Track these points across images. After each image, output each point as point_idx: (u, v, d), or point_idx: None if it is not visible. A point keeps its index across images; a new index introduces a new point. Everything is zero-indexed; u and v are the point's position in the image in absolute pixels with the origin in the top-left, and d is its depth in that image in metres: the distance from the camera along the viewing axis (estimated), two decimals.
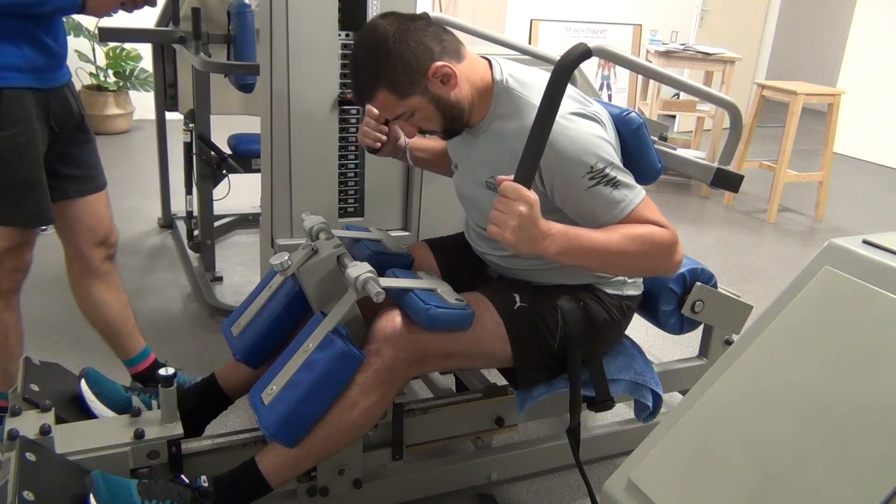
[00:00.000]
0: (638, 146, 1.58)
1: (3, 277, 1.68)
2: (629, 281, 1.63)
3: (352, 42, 1.83)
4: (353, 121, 1.92)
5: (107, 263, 1.87)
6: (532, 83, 1.46)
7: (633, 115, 1.58)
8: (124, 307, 1.92)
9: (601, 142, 1.39)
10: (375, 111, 1.63)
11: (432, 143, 1.81)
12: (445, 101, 1.42)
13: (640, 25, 5.86)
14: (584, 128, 1.39)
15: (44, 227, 1.81)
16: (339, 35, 1.84)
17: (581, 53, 1.22)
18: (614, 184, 1.37)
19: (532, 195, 1.25)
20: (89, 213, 1.80)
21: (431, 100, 1.41)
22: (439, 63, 1.39)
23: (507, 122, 1.45)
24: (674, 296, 1.78)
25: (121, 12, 1.68)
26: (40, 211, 1.66)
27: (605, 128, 1.46)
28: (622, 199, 1.37)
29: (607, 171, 1.37)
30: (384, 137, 1.66)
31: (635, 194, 1.39)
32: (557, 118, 1.31)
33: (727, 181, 1.66)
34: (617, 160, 1.40)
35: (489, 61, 1.50)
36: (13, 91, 1.55)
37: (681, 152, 1.81)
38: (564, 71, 1.22)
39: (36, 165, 1.62)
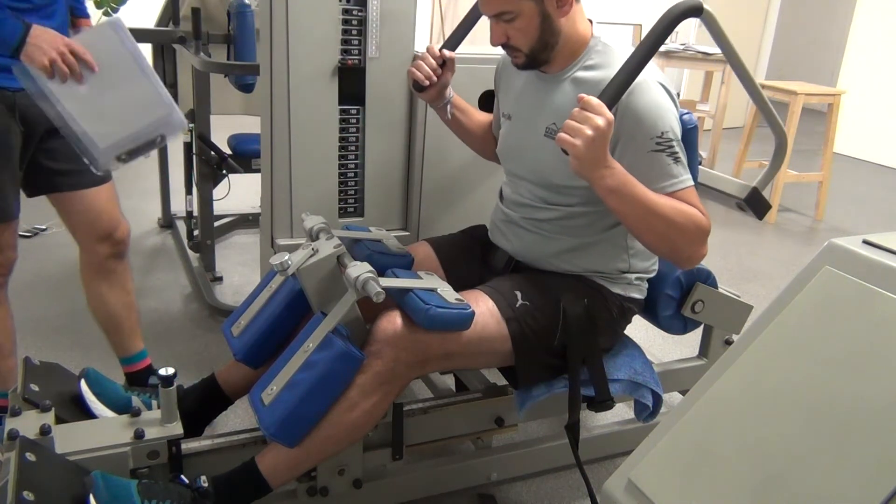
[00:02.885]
0: (686, 148, 1.60)
1: None
2: (635, 283, 1.64)
3: (352, 8, 1.82)
4: (354, 121, 1.92)
5: (112, 261, 1.85)
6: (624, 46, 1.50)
7: (689, 116, 1.63)
8: (126, 307, 1.91)
9: (676, 120, 1.44)
10: (437, 50, 1.67)
11: (475, 111, 1.84)
12: (551, 23, 1.44)
13: (640, 25, 5.85)
14: (667, 101, 1.44)
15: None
16: (340, 1, 1.82)
17: (694, 8, 1.32)
18: (675, 158, 1.41)
19: (611, 115, 1.28)
20: (86, 207, 1.78)
21: (540, 13, 1.43)
22: None
23: (593, 72, 1.49)
24: (673, 300, 1.78)
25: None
26: None
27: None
28: (677, 175, 1.41)
29: (674, 144, 1.41)
30: (435, 78, 1.68)
31: (688, 177, 1.44)
32: (648, 80, 1.40)
33: (757, 204, 1.73)
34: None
35: (591, 21, 1.55)
36: None
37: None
38: (673, 17, 1.30)
39: None
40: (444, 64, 1.68)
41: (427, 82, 1.67)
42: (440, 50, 1.68)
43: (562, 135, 1.29)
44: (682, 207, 1.40)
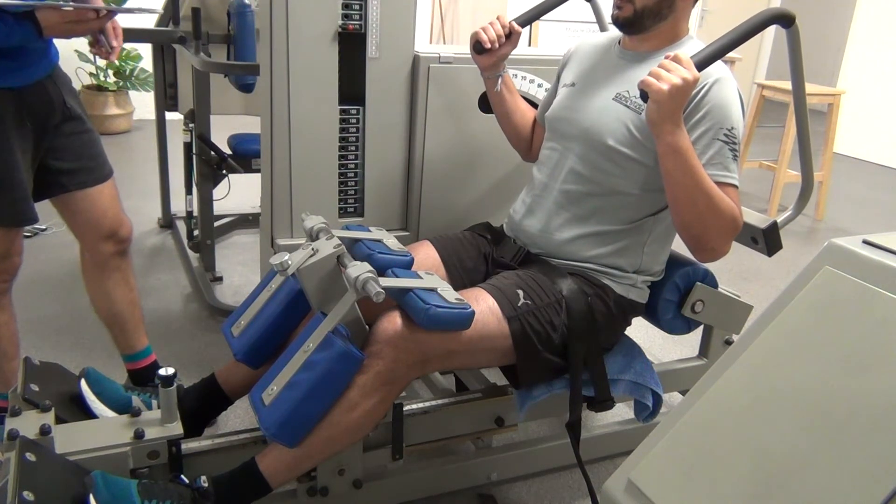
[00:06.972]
0: None
1: None
2: (639, 285, 1.65)
3: (352, 3, 1.82)
4: (354, 121, 1.92)
5: (116, 259, 1.85)
6: None
7: None
8: (130, 304, 1.92)
9: (742, 126, 1.53)
10: (506, 21, 1.72)
11: (521, 98, 1.87)
12: None
13: None
14: (740, 105, 1.52)
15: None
16: None
17: (787, 17, 1.44)
18: (735, 155, 1.48)
19: (698, 74, 1.36)
20: (89, 206, 1.77)
21: None
22: None
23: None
24: (672, 303, 1.78)
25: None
26: (15, 211, 1.63)
27: None
28: (731, 170, 1.48)
29: (737, 144, 1.49)
30: (497, 45, 1.70)
31: (736, 177, 1.50)
32: (732, 80, 1.50)
33: (772, 240, 1.79)
34: None
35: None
36: None
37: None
38: (765, 19, 1.44)
39: (5, 165, 1.58)
40: (510, 36, 1.72)
41: (489, 45, 1.69)
42: (510, 22, 1.72)
43: (647, 78, 1.34)
44: (727, 199, 1.45)
